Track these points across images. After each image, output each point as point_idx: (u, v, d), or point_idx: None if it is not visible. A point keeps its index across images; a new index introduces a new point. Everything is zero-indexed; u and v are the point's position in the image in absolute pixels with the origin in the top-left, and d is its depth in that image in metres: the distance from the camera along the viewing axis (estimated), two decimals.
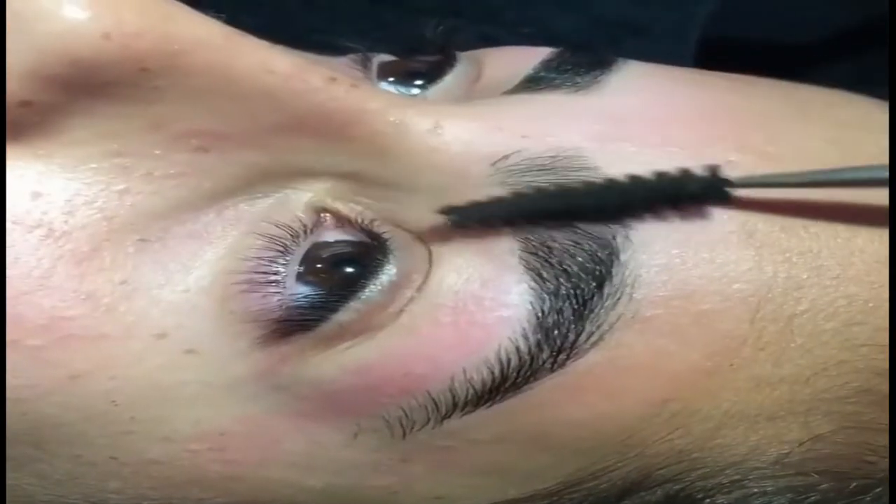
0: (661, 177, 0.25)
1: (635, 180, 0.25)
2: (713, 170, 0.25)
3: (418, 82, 0.30)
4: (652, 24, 0.54)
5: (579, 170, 0.25)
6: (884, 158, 0.28)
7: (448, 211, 0.25)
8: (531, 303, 0.25)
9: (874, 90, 0.31)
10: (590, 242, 0.25)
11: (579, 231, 0.25)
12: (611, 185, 0.25)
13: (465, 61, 0.31)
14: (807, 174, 0.26)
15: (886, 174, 0.25)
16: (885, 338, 0.27)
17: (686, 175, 0.25)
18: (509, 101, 0.27)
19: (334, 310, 0.25)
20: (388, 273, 0.25)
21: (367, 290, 0.25)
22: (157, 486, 0.26)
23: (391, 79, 0.30)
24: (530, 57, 0.29)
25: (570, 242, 0.25)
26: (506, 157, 0.26)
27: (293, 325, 0.25)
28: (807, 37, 0.59)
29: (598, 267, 0.25)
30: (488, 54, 0.31)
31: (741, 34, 0.56)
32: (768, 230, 0.26)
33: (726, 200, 0.25)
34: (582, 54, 0.29)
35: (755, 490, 0.28)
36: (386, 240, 0.26)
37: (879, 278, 0.27)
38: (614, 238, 0.25)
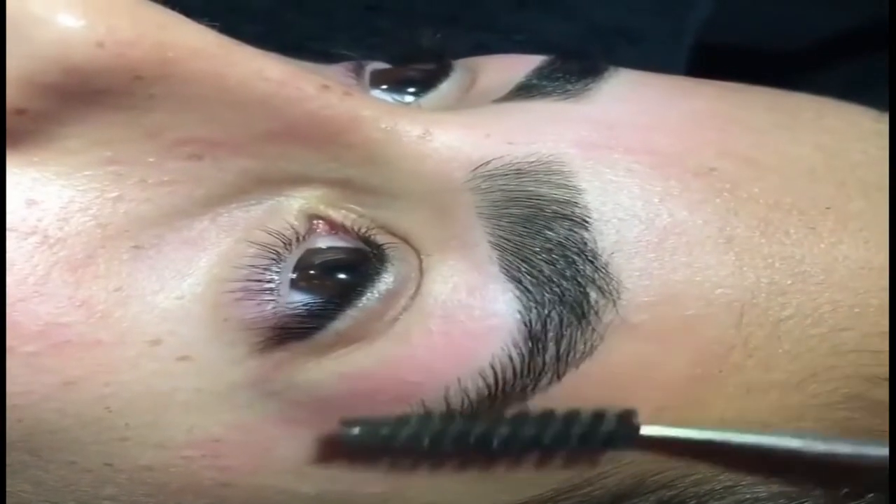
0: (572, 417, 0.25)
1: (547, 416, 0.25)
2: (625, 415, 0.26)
3: (411, 90, 0.30)
4: (646, 32, 0.54)
5: (554, 174, 0.26)
6: (869, 166, 0.28)
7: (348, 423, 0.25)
8: (519, 312, 0.25)
9: (865, 95, 0.32)
10: (564, 249, 0.25)
11: (552, 240, 0.25)
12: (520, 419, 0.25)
13: (459, 69, 0.31)
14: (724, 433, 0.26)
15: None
16: (874, 343, 0.27)
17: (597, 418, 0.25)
18: (499, 108, 0.28)
19: (332, 318, 0.25)
20: (386, 281, 0.25)
21: (364, 299, 0.25)
22: (152, 493, 0.26)
23: (384, 86, 0.30)
24: (523, 64, 0.29)
25: (545, 250, 0.25)
26: (486, 162, 0.26)
27: (290, 332, 0.25)
28: (798, 44, 0.59)
29: (579, 273, 0.25)
30: (482, 62, 0.31)
31: (733, 41, 0.56)
32: (748, 235, 0.26)
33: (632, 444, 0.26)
34: (573, 62, 0.29)
35: (748, 496, 0.28)
36: (385, 249, 0.26)
37: (864, 284, 0.27)
38: (586, 243, 0.25)
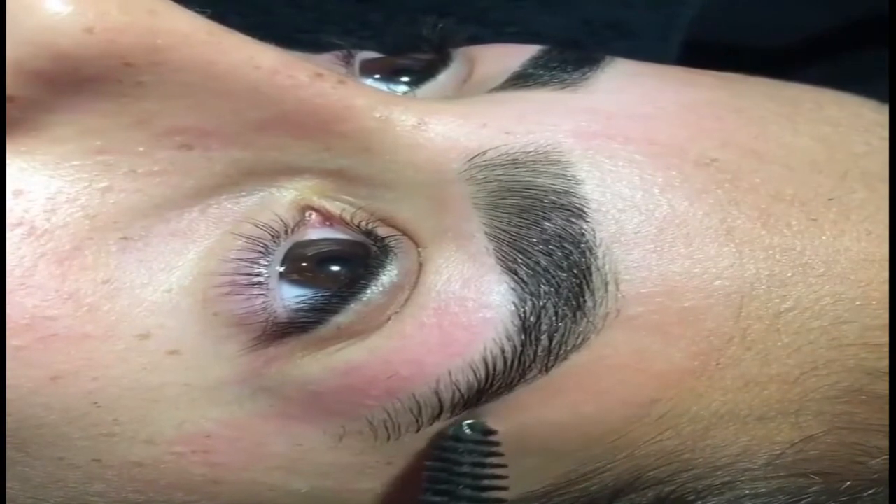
0: None
1: None
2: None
3: (405, 79, 0.30)
4: (637, 26, 0.54)
5: (551, 164, 0.25)
6: (872, 157, 0.28)
7: None
8: (514, 303, 0.24)
9: (850, 91, 0.31)
10: (561, 241, 0.25)
11: (549, 230, 0.25)
12: None
13: (458, 60, 0.31)
14: None
15: None
16: (874, 337, 0.27)
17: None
18: (495, 98, 0.27)
19: (335, 311, 0.24)
20: (390, 275, 0.25)
21: (368, 292, 0.25)
22: (141, 490, 0.26)
23: (377, 76, 0.30)
24: (519, 54, 0.29)
25: (542, 241, 0.25)
26: (483, 152, 0.25)
27: (290, 326, 0.24)
28: (783, 41, 0.59)
29: (575, 265, 0.25)
30: (479, 51, 0.31)
31: (719, 39, 0.56)
32: (748, 227, 0.26)
33: None
34: (570, 52, 0.29)
35: (747, 492, 0.28)
36: (388, 242, 0.25)
37: (866, 276, 0.26)
38: (583, 234, 0.25)
